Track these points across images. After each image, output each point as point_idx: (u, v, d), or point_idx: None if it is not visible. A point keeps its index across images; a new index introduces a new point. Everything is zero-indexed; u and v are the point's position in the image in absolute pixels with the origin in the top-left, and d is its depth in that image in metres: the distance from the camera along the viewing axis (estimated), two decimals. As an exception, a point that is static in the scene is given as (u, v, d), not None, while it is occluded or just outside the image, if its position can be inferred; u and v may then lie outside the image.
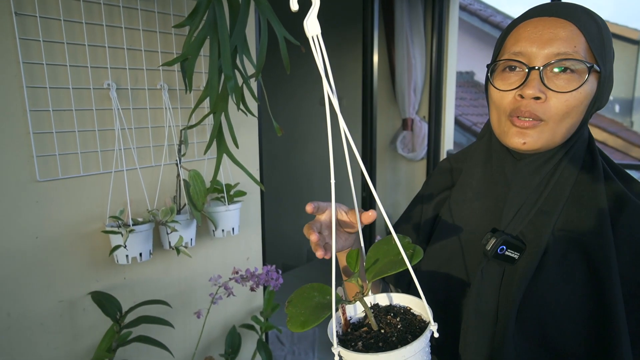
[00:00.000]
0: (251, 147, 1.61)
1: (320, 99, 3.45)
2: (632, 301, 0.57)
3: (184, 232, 1.30)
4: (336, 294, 0.49)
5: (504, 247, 0.62)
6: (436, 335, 0.48)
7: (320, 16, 0.45)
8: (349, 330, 0.53)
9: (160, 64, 1.15)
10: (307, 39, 0.48)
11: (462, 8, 5.76)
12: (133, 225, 1.18)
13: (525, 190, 0.64)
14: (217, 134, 1.30)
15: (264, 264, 1.74)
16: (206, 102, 1.42)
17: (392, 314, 0.53)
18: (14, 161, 1.04)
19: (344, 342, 0.50)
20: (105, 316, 1.18)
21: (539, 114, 0.60)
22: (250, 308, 1.68)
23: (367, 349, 0.48)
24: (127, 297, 1.29)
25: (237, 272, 1.37)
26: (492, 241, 0.63)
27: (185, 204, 1.35)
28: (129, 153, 1.24)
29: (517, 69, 0.62)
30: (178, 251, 1.20)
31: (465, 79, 6.41)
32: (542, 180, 0.64)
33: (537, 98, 0.59)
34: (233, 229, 1.44)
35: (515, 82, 0.62)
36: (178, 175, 1.32)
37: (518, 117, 0.61)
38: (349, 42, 3.13)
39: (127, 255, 1.17)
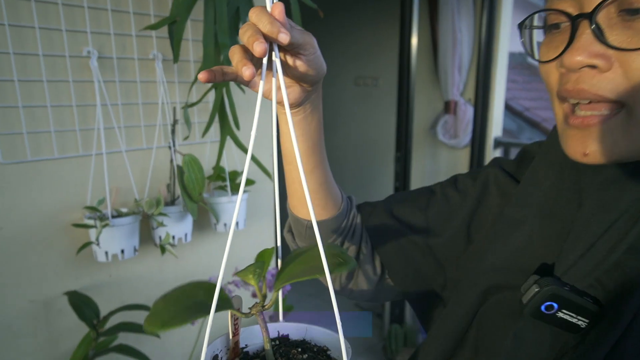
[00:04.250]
0: (264, 128, 1.41)
1: (355, 79, 3.20)
2: None
3: (178, 226, 1.12)
4: (229, 298, 0.38)
5: (554, 305, 0.38)
6: None
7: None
8: None
9: (144, 27, 0.96)
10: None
11: (518, -19, 5.26)
12: (116, 217, 1.02)
13: (606, 214, 0.39)
14: (220, 113, 1.11)
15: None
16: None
17: (300, 349, 0.42)
18: (-30, 140, 0.89)
19: None
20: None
21: (604, 92, 0.36)
22: (260, 310, 1.51)
23: None
24: (113, 297, 1.14)
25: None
26: (533, 291, 0.39)
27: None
28: (113, 133, 1.07)
29: (562, 25, 0.39)
30: (163, 250, 1.03)
31: (517, 61, 5.92)
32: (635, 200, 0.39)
33: (592, 67, 0.36)
34: (238, 222, 1.26)
35: (559, 46, 0.38)
36: (172, 160, 1.14)
37: (569, 101, 0.38)
38: (386, 15, 2.84)
39: (106, 252, 1.01)
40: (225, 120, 1.10)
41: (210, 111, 1.26)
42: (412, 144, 2.33)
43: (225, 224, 1.23)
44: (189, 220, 1.16)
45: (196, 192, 1.12)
